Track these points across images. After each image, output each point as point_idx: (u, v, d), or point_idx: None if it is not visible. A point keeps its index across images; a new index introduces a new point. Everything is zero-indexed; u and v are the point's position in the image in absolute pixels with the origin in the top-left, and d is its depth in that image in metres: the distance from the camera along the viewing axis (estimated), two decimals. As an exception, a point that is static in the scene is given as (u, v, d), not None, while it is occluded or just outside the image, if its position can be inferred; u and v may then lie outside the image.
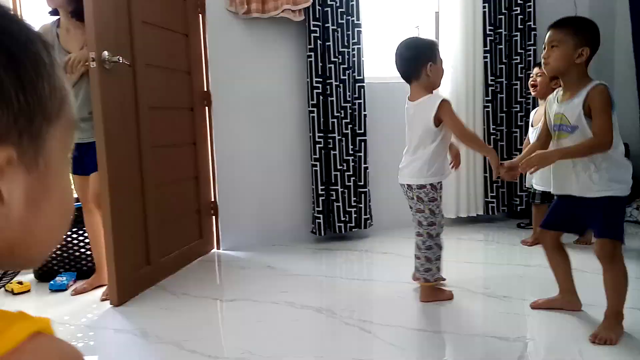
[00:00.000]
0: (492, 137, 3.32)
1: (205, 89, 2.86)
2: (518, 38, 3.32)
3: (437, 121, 1.97)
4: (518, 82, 3.35)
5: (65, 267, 2.49)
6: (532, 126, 2.81)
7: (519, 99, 3.37)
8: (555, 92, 1.80)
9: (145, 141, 2.29)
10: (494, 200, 3.36)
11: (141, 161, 2.27)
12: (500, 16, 3.28)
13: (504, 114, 3.36)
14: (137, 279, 2.21)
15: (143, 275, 2.26)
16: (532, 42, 3.33)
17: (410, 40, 2.11)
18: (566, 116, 1.70)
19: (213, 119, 2.88)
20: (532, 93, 2.85)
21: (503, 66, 3.32)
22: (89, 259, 2.49)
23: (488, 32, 3.25)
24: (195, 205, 2.77)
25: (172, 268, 2.50)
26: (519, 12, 3.29)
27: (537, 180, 2.70)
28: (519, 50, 3.33)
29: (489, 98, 3.30)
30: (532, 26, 3.31)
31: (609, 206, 1.66)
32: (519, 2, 3.28)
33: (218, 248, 2.94)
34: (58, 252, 2.47)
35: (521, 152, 3.39)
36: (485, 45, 3.26)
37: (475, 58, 3.25)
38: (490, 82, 3.29)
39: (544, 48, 1.73)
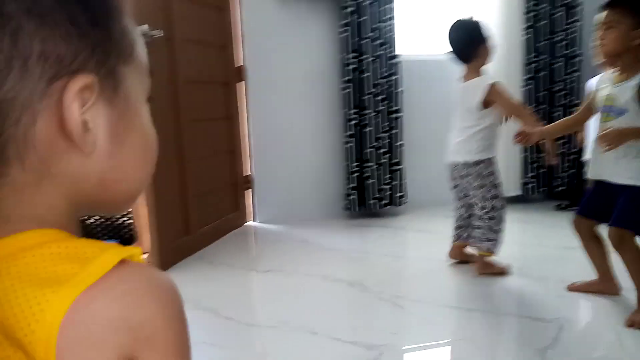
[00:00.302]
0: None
1: (241, 64, 2.88)
2: (563, 14, 3.18)
3: (486, 104, 2.05)
4: (562, 60, 3.23)
5: (108, 235, 2.59)
6: None
7: (563, 77, 3.25)
8: (611, 71, 1.72)
9: (184, 115, 2.33)
10: (534, 180, 3.28)
11: (179, 135, 2.31)
12: (543, -8, 3.15)
13: (546, 92, 3.25)
14: (177, 248, 2.28)
15: (183, 244, 2.33)
16: (575, 19, 3.19)
17: (461, 22, 2.18)
18: (617, 98, 1.64)
19: (248, 94, 2.91)
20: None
21: (546, 42, 3.20)
22: (130, 227, 2.58)
23: (529, 8, 3.13)
24: (231, 178, 2.82)
25: (209, 239, 2.56)
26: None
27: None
28: (564, 27, 3.20)
29: (529, 76, 3.20)
30: (575, 2, 3.17)
31: (634, 195, 1.61)
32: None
33: (253, 221, 2.99)
34: (101, 220, 2.56)
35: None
36: (527, 21, 3.14)
37: (513, 34, 3.15)
38: (532, 60, 3.18)
39: (598, 29, 1.66)
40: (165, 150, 2.16)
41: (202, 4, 2.52)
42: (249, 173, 2.97)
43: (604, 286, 1.85)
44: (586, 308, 1.76)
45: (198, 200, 2.45)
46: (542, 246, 2.47)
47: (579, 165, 3.31)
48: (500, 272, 2.06)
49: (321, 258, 2.32)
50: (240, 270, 2.20)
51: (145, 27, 2.02)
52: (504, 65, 3.17)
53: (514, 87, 3.21)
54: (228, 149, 2.80)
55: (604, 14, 1.64)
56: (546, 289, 1.92)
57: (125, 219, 2.58)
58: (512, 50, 3.16)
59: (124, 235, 2.59)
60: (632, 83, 1.60)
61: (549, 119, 3.28)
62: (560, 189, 3.32)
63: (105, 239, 2.56)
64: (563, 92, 3.27)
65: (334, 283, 2.01)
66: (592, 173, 1.77)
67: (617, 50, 1.61)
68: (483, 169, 2.09)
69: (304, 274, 2.11)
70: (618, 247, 1.66)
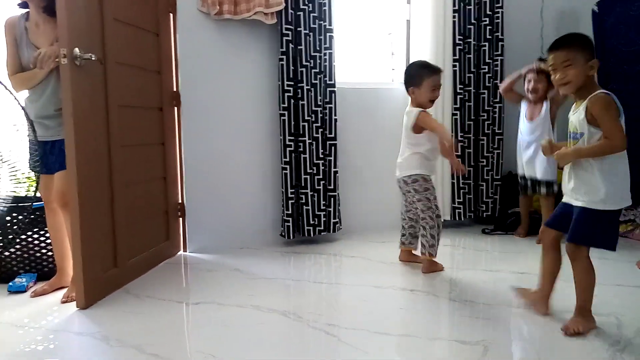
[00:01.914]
0: (459, 144, 3.38)
1: (175, 89, 2.83)
2: (486, 48, 3.40)
3: (418, 129, 2.47)
4: (485, 91, 3.43)
5: (25, 268, 2.42)
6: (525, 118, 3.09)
7: (486, 108, 3.44)
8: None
9: (114, 140, 2.25)
10: (461, 206, 3.42)
11: (110, 160, 2.23)
12: (469, 26, 3.35)
13: (471, 122, 3.43)
14: (104, 282, 2.17)
15: (110, 277, 2.22)
16: (499, 53, 3.41)
17: (410, 64, 2.66)
18: (575, 124, 1.79)
19: (182, 119, 2.85)
20: (531, 97, 3.03)
21: (471, 75, 3.39)
22: (50, 260, 2.43)
23: (457, 42, 3.32)
24: (163, 206, 2.73)
25: (138, 271, 2.46)
26: (487, 22, 3.37)
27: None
28: (487, 60, 3.41)
29: (457, 106, 3.37)
30: (500, 37, 3.39)
31: (583, 214, 1.75)
32: (487, 13, 3.37)
33: (185, 250, 2.91)
34: (18, 253, 2.40)
35: (488, 159, 3.47)
36: (454, 54, 3.32)
37: (444, 66, 3.31)
38: (459, 91, 3.36)
39: (554, 69, 1.78)
40: (94, 176, 2.09)
41: (137, 28, 2.47)
42: (181, 200, 2.89)
43: (538, 301, 1.96)
44: (511, 330, 1.82)
45: (128, 230, 2.35)
46: (469, 270, 2.56)
47: (502, 191, 3.50)
48: (439, 269, 2.51)
49: (254, 288, 2.29)
50: (169, 303, 2.12)
51: (77, 50, 1.95)
52: (440, 95, 3.31)
53: (446, 115, 3.36)
54: (161, 175, 2.72)
55: (557, 54, 1.77)
56: (473, 312, 1.99)
57: (45, 251, 2.43)
58: (444, 81, 3.31)
59: (43, 269, 2.43)
60: (581, 108, 1.75)
61: (474, 146, 3.46)
62: (485, 214, 3.49)
63: (21, 273, 2.39)
64: (489, 122, 3.45)
65: (266, 313, 1.98)
66: (562, 188, 1.89)
67: (580, 83, 1.76)
68: (418, 185, 2.48)
69: (236, 305, 2.06)
70: (572, 259, 1.80)
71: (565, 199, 1.86)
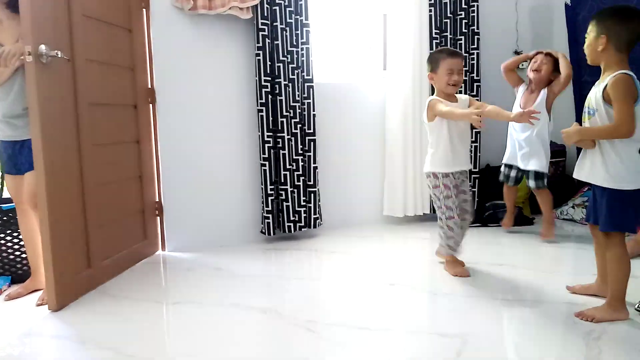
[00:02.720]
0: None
1: (150, 86, 2.79)
2: (462, 41, 3.42)
3: (431, 116, 2.34)
4: (463, 85, 3.45)
5: (-3, 271, 2.37)
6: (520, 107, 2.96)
7: (463, 101, 3.47)
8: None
9: (85, 139, 2.20)
10: (440, 199, 3.44)
11: (81, 160, 2.18)
12: (445, 20, 3.37)
13: (449, 116, 3.44)
14: (76, 283, 2.13)
15: (83, 278, 2.17)
16: (475, 46, 3.44)
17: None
18: (591, 99, 1.81)
19: (158, 117, 2.81)
20: (532, 76, 2.91)
21: (448, 69, 3.40)
22: (24, 262, 2.38)
23: (434, 35, 3.34)
24: (139, 205, 2.69)
25: (114, 271, 2.42)
26: (463, 16, 3.39)
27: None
28: (463, 54, 3.43)
29: (435, 100, 3.38)
30: (476, 30, 3.42)
31: (608, 197, 1.77)
32: (463, 6, 3.38)
33: (163, 249, 2.87)
34: (-11, 256, 2.33)
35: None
36: (431, 47, 3.34)
37: (422, 60, 3.32)
38: (436, 84, 3.37)
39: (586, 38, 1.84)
40: (63, 177, 2.05)
41: (108, 24, 2.42)
42: (159, 199, 2.85)
43: (600, 288, 1.99)
44: (490, 322, 1.84)
45: (102, 230, 2.31)
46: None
47: (480, 185, 3.53)
48: (461, 272, 2.33)
49: (234, 286, 2.27)
50: (147, 303, 2.09)
51: (43, 47, 1.90)
52: (418, 87, 3.33)
53: (424, 112, 3.37)
54: (136, 174, 2.68)
55: (590, 25, 1.82)
56: (453, 305, 2.00)
57: (18, 253, 2.38)
58: (423, 75, 3.33)
59: (17, 272, 2.38)
60: (601, 85, 1.77)
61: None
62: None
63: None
64: (465, 116, 3.48)
65: (246, 311, 1.96)
66: (576, 173, 1.91)
67: (590, 56, 1.81)
68: (429, 182, 2.40)
69: (215, 304, 2.04)
70: (606, 247, 1.83)
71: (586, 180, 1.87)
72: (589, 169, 1.83)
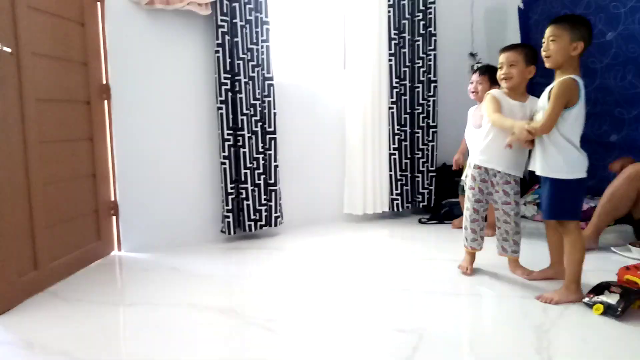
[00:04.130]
0: (396, 137, 3.45)
1: (105, 82, 2.70)
2: (420, 43, 3.48)
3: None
4: (420, 85, 3.52)
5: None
6: (472, 125, 2.89)
7: (421, 101, 3.54)
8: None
9: (31, 136, 2.11)
10: (399, 197, 3.50)
11: (27, 157, 2.09)
12: (404, 21, 3.42)
13: (407, 115, 3.51)
14: (21, 285, 2.04)
15: (29, 280, 2.09)
16: (432, 47, 3.51)
17: None
18: (543, 98, 1.95)
19: (113, 113, 2.73)
20: (472, 97, 2.91)
21: (407, 69, 3.47)
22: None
23: (393, 36, 3.38)
24: (92, 204, 2.61)
25: (65, 272, 2.34)
26: (420, 17, 3.45)
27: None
28: (421, 55, 3.49)
29: (394, 99, 3.43)
30: (433, 32, 3.49)
31: (549, 186, 1.92)
32: (420, 8, 3.45)
33: (119, 250, 2.79)
34: None
35: (424, 151, 3.57)
36: (390, 48, 3.38)
37: (381, 60, 3.37)
38: (394, 85, 3.42)
39: (544, 42, 1.93)
40: (5, 175, 1.95)
41: (58, 17, 2.33)
42: (114, 198, 2.77)
43: (557, 271, 2.13)
44: (446, 316, 1.88)
45: (51, 230, 2.22)
46: (405, 258, 2.63)
47: (437, 182, 3.62)
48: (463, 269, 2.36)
49: (192, 286, 2.23)
50: (101, 305, 2.02)
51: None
52: (377, 86, 3.37)
53: (383, 109, 3.42)
54: (90, 173, 2.59)
55: (549, 29, 1.91)
56: (410, 300, 2.04)
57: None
58: (382, 74, 3.37)
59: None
60: (550, 86, 1.89)
61: (410, 139, 3.55)
62: (421, 204, 3.59)
63: None
64: (423, 115, 3.55)
65: (204, 312, 1.93)
66: (530, 165, 2.04)
67: (560, 60, 1.89)
68: (516, 185, 2.29)
69: (172, 305, 2.00)
70: (563, 233, 1.97)
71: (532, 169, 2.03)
72: (535, 160, 1.99)
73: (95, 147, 2.62)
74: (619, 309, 1.75)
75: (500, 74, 2.22)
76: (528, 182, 3.74)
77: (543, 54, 1.95)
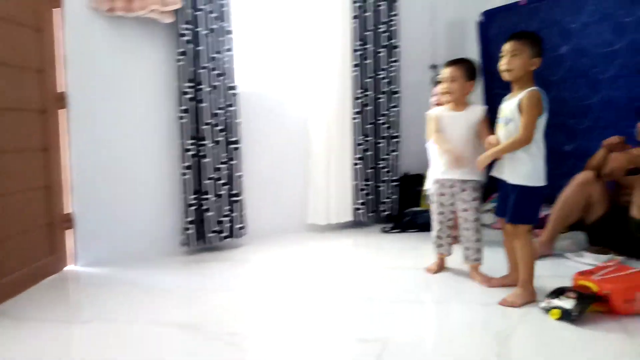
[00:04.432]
0: (360, 146, 3.47)
1: (61, 90, 2.62)
2: (383, 54, 3.53)
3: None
4: (383, 96, 3.56)
5: None
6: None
7: (384, 112, 3.57)
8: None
9: (-19, 146, 2.02)
10: (363, 206, 3.52)
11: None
12: (367, 32, 3.46)
13: (371, 125, 3.54)
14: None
15: (-23, 298, 1.98)
16: (395, 59, 3.56)
17: None
18: (506, 111, 2.02)
19: (70, 123, 2.64)
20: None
21: (370, 80, 3.50)
22: None
23: (356, 47, 3.42)
24: (46, 218, 2.50)
25: (14, 290, 2.22)
26: (384, 30, 3.50)
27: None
28: (384, 66, 3.54)
29: (358, 110, 3.46)
30: (395, 44, 3.54)
31: (518, 193, 1.99)
32: (383, 20, 3.50)
33: (75, 264, 2.68)
34: None
35: (387, 161, 3.60)
36: (354, 59, 3.41)
37: (344, 71, 3.39)
38: (358, 95, 3.45)
39: (502, 56, 2.01)
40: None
41: (10, 22, 2.25)
42: (70, 211, 2.67)
43: (514, 278, 2.16)
44: (409, 325, 1.88)
45: (1, 245, 2.12)
46: (369, 267, 2.64)
47: (400, 192, 3.66)
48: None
49: (151, 301, 2.17)
50: (54, 323, 1.94)
51: None
52: (341, 96, 3.39)
53: (346, 119, 3.44)
54: (43, 184, 2.49)
55: (510, 44, 2.00)
56: (373, 309, 2.04)
57: None
58: (346, 85, 3.40)
59: None
60: (516, 99, 1.98)
61: (374, 149, 3.58)
62: (385, 213, 3.62)
63: None
64: (386, 125, 3.59)
65: (163, 327, 1.88)
66: (496, 173, 2.11)
67: (520, 73, 1.98)
68: (477, 192, 2.38)
69: (130, 321, 1.93)
70: (514, 236, 2.06)
71: (498, 177, 2.11)
72: (503, 169, 2.06)
73: (50, 158, 2.53)
74: (575, 314, 1.80)
75: (441, 88, 2.36)
76: (487, 190, 3.83)
77: (503, 67, 2.02)
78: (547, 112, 1.98)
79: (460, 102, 2.34)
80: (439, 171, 2.38)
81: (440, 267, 2.49)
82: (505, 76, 2.03)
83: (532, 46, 1.97)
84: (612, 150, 2.60)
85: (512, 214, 2.03)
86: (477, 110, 2.33)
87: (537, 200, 2.05)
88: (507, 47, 2.01)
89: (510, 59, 1.99)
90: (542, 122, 1.98)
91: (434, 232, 2.47)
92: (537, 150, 1.99)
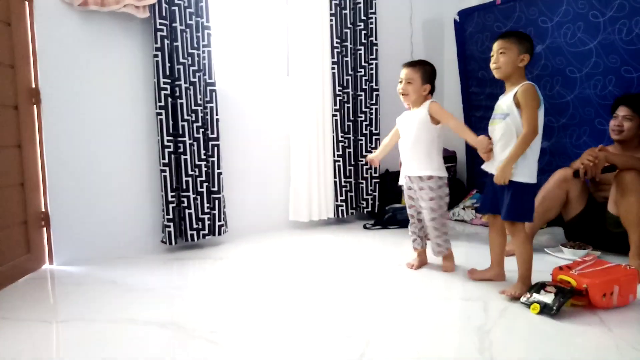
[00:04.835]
0: (340, 144, 3.48)
1: (34, 86, 2.55)
2: (362, 52, 3.54)
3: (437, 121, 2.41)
4: (362, 93, 3.57)
5: None
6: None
7: (363, 109, 3.59)
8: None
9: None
10: (344, 203, 3.52)
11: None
12: (346, 30, 3.47)
13: (350, 123, 3.55)
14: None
15: (-51, 300, 1.92)
16: (374, 56, 3.58)
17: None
18: (502, 106, 2.03)
19: (43, 118, 2.57)
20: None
21: (349, 77, 3.51)
22: None
23: (335, 45, 3.42)
24: (20, 216, 2.44)
25: (-11, 290, 2.17)
26: (362, 27, 3.51)
27: None
28: (363, 63, 3.55)
29: (337, 107, 3.46)
30: (374, 41, 3.56)
31: (514, 190, 2.01)
32: (362, 18, 3.51)
33: (51, 263, 2.62)
34: None
35: (366, 157, 3.61)
36: (332, 56, 3.41)
37: (324, 68, 3.39)
38: (337, 93, 3.45)
39: (492, 56, 2.04)
40: None
41: (-20, 15, 2.17)
42: (45, 208, 2.60)
43: (495, 274, 2.24)
44: (392, 321, 1.89)
45: (-26, 245, 2.06)
46: (350, 264, 2.64)
47: (380, 188, 3.68)
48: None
49: (130, 299, 2.13)
50: (30, 323, 1.88)
51: None
52: (320, 93, 3.38)
53: (327, 117, 3.44)
54: (17, 182, 2.42)
55: (497, 42, 2.04)
56: (353, 305, 2.04)
57: None
58: (325, 82, 3.39)
59: None
60: (511, 93, 2.00)
61: (354, 146, 3.59)
62: (365, 210, 3.64)
63: None
64: (366, 122, 3.60)
65: (143, 326, 1.85)
66: (488, 167, 2.14)
67: (510, 70, 2.01)
68: (434, 184, 2.40)
69: (109, 320, 1.90)
70: (512, 234, 2.08)
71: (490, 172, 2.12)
72: (497, 165, 2.06)
73: (24, 154, 2.46)
74: (554, 308, 1.84)
75: (398, 88, 2.40)
76: (467, 187, 3.89)
77: (492, 65, 2.06)
78: (543, 105, 2.01)
79: (417, 104, 2.38)
80: (404, 170, 2.46)
81: (422, 262, 2.52)
82: (496, 74, 2.06)
83: (519, 43, 2.00)
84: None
85: (510, 212, 2.04)
86: (425, 105, 2.35)
87: (532, 197, 2.08)
88: (495, 46, 2.05)
89: (498, 57, 2.03)
90: (540, 115, 2.00)
91: (409, 227, 2.53)
92: (533, 147, 2.01)
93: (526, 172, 2.02)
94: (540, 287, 1.95)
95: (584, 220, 2.69)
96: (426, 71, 2.36)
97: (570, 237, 2.81)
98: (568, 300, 1.87)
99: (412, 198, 2.46)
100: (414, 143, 2.37)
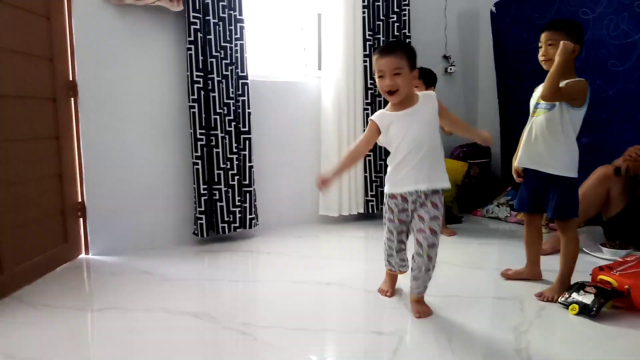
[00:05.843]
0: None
1: (71, 79, 2.60)
2: (395, 44, 3.48)
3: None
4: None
5: None
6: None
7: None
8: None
9: (-6, 134, 2.01)
10: (374, 198, 3.49)
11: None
12: (378, 22, 3.42)
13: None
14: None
15: (-7, 285, 1.98)
16: (408, 49, 3.52)
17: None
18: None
19: (80, 111, 2.63)
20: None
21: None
22: None
23: (367, 37, 3.38)
24: (59, 206, 2.50)
25: (30, 277, 2.23)
26: (395, 19, 3.46)
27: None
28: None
29: (369, 101, 3.43)
30: (407, 34, 3.50)
31: (561, 185, 1.94)
32: (395, 10, 3.45)
33: (87, 253, 2.69)
34: None
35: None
36: (364, 49, 3.37)
37: (355, 61, 3.36)
38: (369, 86, 3.42)
39: (540, 47, 1.97)
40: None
41: (21, 10, 2.23)
42: (81, 199, 2.67)
43: (531, 273, 2.18)
44: (424, 319, 1.86)
45: (15, 233, 2.12)
46: (381, 260, 2.62)
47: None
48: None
49: (165, 290, 2.16)
50: (69, 310, 1.93)
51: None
52: (352, 87, 3.35)
53: (358, 111, 3.41)
54: (55, 172, 2.48)
55: (546, 34, 1.97)
56: (388, 302, 2.02)
57: None
58: (357, 75, 3.36)
59: None
60: (562, 84, 1.89)
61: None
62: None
63: None
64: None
65: (178, 316, 1.87)
66: (526, 163, 2.05)
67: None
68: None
69: (145, 309, 1.93)
70: (563, 231, 1.99)
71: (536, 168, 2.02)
72: (540, 159, 1.98)
73: (62, 146, 2.52)
74: (594, 309, 1.78)
75: (383, 85, 1.79)
76: (501, 182, 3.80)
77: (541, 58, 1.98)
78: (587, 106, 1.94)
79: (410, 100, 1.84)
80: (394, 185, 1.96)
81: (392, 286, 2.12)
82: (545, 66, 1.97)
83: (568, 34, 1.91)
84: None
85: (561, 209, 1.96)
86: (429, 99, 1.87)
87: (577, 192, 2.01)
88: (543, 37, 1.97)
89: (547, 49, 1.95)
90: (582, 113, 1.93)
91: (385, 247, 2.07)
92: (568, 138, 1.95)
93: (572, 167, 1.96)
94: (579, 287, 1.89)
95: (625, 220, 2.60)
96: (412, 54, 1.82)
97: (609, 237, 2.71)
98: (609, 301, 1.81)
99: (404, 222, 1.92)
100: (428, 150, 1.80)
